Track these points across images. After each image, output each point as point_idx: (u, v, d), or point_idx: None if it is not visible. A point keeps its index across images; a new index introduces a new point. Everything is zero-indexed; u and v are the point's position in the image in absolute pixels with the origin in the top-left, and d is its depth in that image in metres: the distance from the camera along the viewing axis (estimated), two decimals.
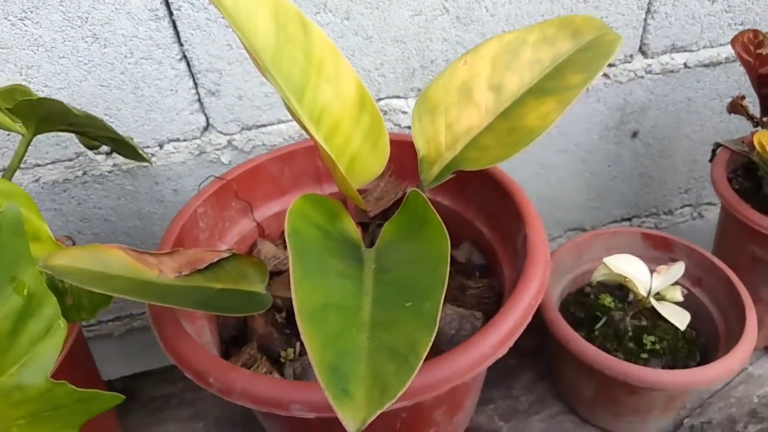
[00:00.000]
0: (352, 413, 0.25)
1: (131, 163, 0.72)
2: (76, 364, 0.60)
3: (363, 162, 0.46)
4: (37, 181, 0.71)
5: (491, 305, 0.57)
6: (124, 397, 0.34)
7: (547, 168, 0.87)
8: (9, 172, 0.54)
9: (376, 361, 0.28)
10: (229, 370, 0.42)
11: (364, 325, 0.31)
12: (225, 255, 0.46)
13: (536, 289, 0.47)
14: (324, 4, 0.65)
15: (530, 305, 0.46)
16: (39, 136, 0.68)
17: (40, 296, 0.31)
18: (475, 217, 0.62)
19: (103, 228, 0.77)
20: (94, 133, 0.58)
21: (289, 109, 0.41)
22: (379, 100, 0.74)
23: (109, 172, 0.72)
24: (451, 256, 0.57)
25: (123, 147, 0.62)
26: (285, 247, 0.62)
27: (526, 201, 0.53)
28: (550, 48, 0.46)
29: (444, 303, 0.54)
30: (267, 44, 0.40)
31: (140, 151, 0.61)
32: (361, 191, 0.62)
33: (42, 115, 0.51)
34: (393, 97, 0.74)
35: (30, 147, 0.68)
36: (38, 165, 0.71)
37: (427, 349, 0.28)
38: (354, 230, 0.44)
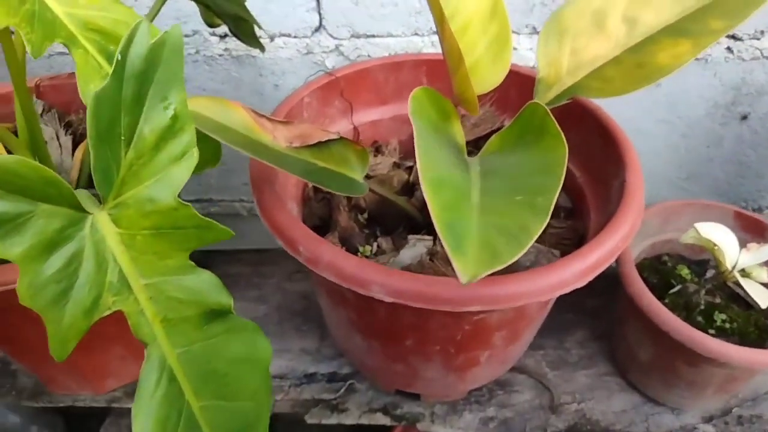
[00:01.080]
0: (464, 266, 0.26)
1: (242, 50, 0.74)
2: None
3: (484, 69, 0.46)
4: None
5: (571, 247, 0.57)
6: (233, 233, 0.37)
7: (645, 135, 0.85)
8: None
9: (487, 233, 0.29)
10: (319, 243, 0.44)
11: (474, 207, 0.32)
12: (333, 137, 0.47)
13: (626, 232, 0.47)
14: None
15: (617, 246, 0.46)
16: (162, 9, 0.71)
17: (183, 121, 0.33)
18: (570, 158, 0.61)
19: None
20: (221, 7, 0.60)
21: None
22: None
23: (220, 55, 0.75)
24: None
25: (243, 28, 0.64)
26: (375, 155, 0.64)
27: (629, 145, 0.53)
28: None
29: None
30: None
31: (258, 37, 0.63)
32: (462, 115, 0.63)
33: None
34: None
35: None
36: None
37: (538, 233, 0.29)
38: (461, 135, 0.45)
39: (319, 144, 0.46)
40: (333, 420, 0.64)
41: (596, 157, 0.57)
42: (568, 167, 0.61)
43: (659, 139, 0.85)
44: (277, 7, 0.71)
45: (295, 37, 0.74)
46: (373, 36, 0.73)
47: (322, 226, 0.59)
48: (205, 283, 0.36)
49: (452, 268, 0.27)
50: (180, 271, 0.35)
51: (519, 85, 0.59)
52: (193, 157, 0.34)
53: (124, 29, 0.40)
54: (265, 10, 0.71)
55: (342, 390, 0.66)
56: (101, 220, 0.33)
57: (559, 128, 0.37)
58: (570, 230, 0.58)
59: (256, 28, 0.72)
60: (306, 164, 0.45)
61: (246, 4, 0.69)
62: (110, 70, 0.39)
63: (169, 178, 0.33)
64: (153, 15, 0.51)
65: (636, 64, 0.44)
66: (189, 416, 0.38)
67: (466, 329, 0.50)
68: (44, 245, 0.31)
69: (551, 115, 0.38)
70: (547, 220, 0.29)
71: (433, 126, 0.41)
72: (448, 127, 0.44)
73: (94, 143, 0.30)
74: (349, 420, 0.64)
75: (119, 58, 0.30)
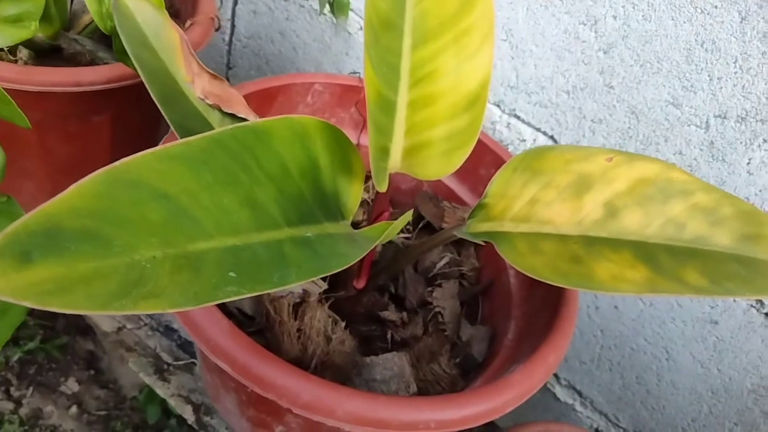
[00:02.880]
0: None
1: (342, 21, 0.72)
2: None
3: (426, 159, 0.39)
4: None
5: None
6: (30, 125, 0.34)
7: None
8: None
9: None
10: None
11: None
12: (253, 118, 0.43)
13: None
14: None
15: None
16: None
17: None
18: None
19: (286, 51, 0.79)
20: None
21: (383, 27, 0.34)
22: None
23: (324, 14, 0.73)
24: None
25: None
26: None
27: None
28: (704, 224, 0.32)
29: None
30: None
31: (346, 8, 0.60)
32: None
33: None
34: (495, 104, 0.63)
35: None
36: None
37: None
38: (352, 197, 0.38)
39: (234, 117, 0.42)
40: None
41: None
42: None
43: None
44: None
45: None
46: None
47: None
48: None
49: None
50: None
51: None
52: (28, 30, 0.31)
53: None
54: None
55: None
56: None
57: None
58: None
59: (355, 10, 0.69)
60: (200, 125, 0.40)
61: None
62: None
63: None
64: None
65: (575, 258, 0.34)
66: None
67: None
68: None
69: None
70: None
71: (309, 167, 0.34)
72: (336, 182, 0.37)
73: None
74: None
75: None
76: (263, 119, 0.32)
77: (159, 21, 0.40)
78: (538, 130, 0.63)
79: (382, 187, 0.38)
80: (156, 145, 0.63)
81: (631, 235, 0.34)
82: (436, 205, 0.55)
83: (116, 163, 0.24)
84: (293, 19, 0.76)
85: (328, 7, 0.71)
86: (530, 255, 0.34)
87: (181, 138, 0.38)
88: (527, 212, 0.37)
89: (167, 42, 0.40)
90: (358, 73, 0.58)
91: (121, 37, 0.39)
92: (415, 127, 0.38)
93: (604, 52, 0.56)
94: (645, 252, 0.33)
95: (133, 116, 0.57)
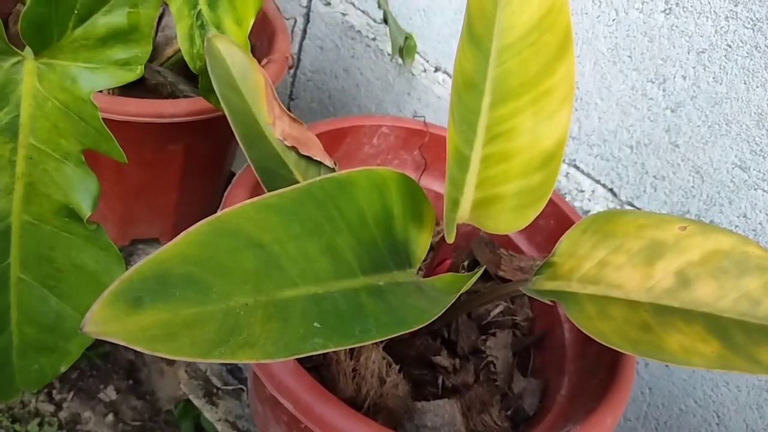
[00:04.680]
0: None
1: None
2: None
3: (496, 213, 0.39)
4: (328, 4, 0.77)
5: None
6: (126, 159, 0.36)
7: None
8: None
9: None
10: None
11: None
12: (329, 164, 0.44)
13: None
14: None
15: None
16: None
17: (140, 35, 0.33)
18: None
19: (349, 88, 0.81)
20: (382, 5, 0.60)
21: (465, 87, 0.36)
22: None
23: (388, 53, 0.74)
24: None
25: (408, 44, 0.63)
26: None
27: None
28: None
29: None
30: (518, 25, 0.35)
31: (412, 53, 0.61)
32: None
33: None
34: (576, 166, 0.62)
35: None
36: (351, 4, 0.76)
37: None
38: (421, 246, 0.38)
39: (309, 159, 0.43)
40: None
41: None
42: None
43: None
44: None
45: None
46: None
47: None
48: (80, 182, 0.36)
49: None
50: (67, 158, 0.36)
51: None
52: (134, 73, 0.34)
53: None
54: (447, 41, 0.69)
55: None
56: (28, 68, 0.34)
57: None
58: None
59: (421, 53, 0.71)
60: (277, 166, 0.42)
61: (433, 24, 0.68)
62: None
63: (100, 75, 0.34)
64: None
65: (645, 326, 0.33)
66: (2, 274, 0.38)
67: None
68: None
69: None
70: None
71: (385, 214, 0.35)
72: (403, 228, 0.38)
73: None
74: None
75: None
76: (347, 171, 0.33)
77: (246, 64, 0.42)
78: (598, 182, 0.63)
79: (450, 238, 0.39)
80: (221, 176, 0.65)
81: (703, 307, 0.34)
82: (492, 252, 0.55)
83: (219, 213, 0.25)
84: (359, 57, 0.78)
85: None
86: (599, 319, 0.34)
87: (260, 176, 0.40)
88: (596, 274, 0.37)
89: (253, 85, 0.42)
90: (423, 117, 0.59)
91: (212, 78, 0.41)
92: (486, 181, 0.39)
93: (672, 111, 0.56)
94: (717, 326, 0.32)
95: (203, 147, 0.59)
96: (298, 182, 0.43)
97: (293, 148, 0.43)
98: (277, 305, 0.26)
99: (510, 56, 0.36)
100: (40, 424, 1.24)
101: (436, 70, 0.72)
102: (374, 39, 0.75)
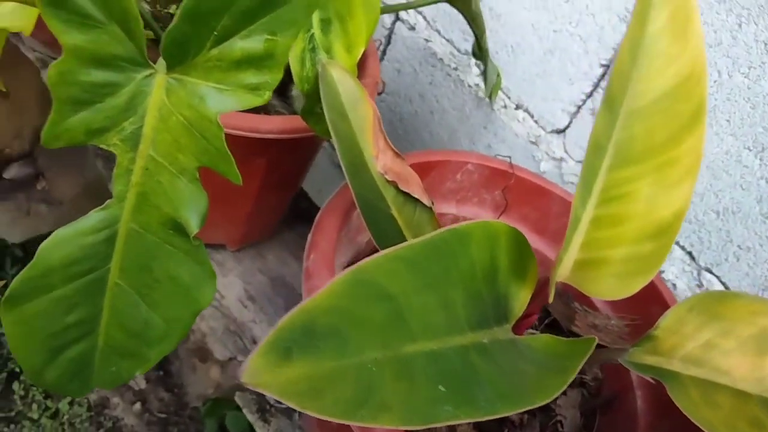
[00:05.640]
0: None
1: (481, 91, 0.73)
2: None
3: (599, 277, 0.38)
4: (413, 29, 0.77)
5: None
6: (241, 182, 0.36)
7: None
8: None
9: None
10: None
11: None
12: (426, 203, 0.43)
13: None
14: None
15: None
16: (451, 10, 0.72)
17: (274, 62, 0.33)
18: None
19: (422, 113, 0.81)
20: (483, 49, 0.59)
21: (591, 147, 0.35)
22: None
23: (469, 85, 0.74)
24: None
25: (489, 76, 0.62)
26: None
27: None
28: None
29: None
30: (651, 90, 0.34)
31: (496, 89, 0.61)
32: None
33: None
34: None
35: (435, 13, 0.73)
36: (437, 31, 0.76)
37: None
38: (522, 305, 0.38)
39: (407, 195, 0.43)
40: None
41: None
42: None
43: None
44: (543, 86, 0.67)
45: (535, 121, 0.70)
46: None
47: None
48: (191, 198, 0.36)
49: None
50: (182, 173, 0.36)
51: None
52: (261, 98, 0.33)
53: None
54: (532, 80, 0.68)
55: None
56: (158, 82, 0.34)
57: None
58: None
59: (504, 89, 0.70)
60: (376, 198, 0.42)
61: (515, 66, 0.67)
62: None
63: (228, 97, 0.34)
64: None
65: (755, 421, 0.32)
66: (100, 278, 0.38)
67: None
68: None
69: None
70: None
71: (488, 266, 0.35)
72: (504, 281, 0.37)
73: (186, 15, 0.31)
74: None
75: None
76: (467, 223, 0.32)
77: (357, 94, 0.42)
78: (677, 243, 0.61)
79: (550, 298, 0.38)
80: (293, 191, 0.64)
81: None
82: (566, 305, 0.54)
83: (360, 263, 0.25)
84: (437, 84, 0.78)
85: (481, 84, 0.72)
86: (704, 406, 0.33)
87: (359, 206, 0.40)
88: (701, 356, 0.36)
89: (361, 115, 0.42)
90: (509, 157, 0.58)
91: (324, 104, 0.40)
92: (593, 242, 0.38)
93: (767, 182, 0.55)
94: None
95: (285, 163, 0.59)
96: (394, 217, 0.43)
97: (393, 183, 0.42)
98: (401, 362, 0.25)
99: (638, 120, 0.35)
100: (71, 403, 1.25)
101: (517, 107, 0.71)
102: (455, 69, 0.75)
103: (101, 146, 0.34)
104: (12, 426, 1.19)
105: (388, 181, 0.42)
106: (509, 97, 0.71)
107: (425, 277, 0.29)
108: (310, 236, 0.44)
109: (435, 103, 0.79)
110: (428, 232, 0.44)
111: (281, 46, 0.32)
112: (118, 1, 0.30)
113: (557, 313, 0.54)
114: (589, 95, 0.65)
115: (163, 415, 1.31)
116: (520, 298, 0.37)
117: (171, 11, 0.60)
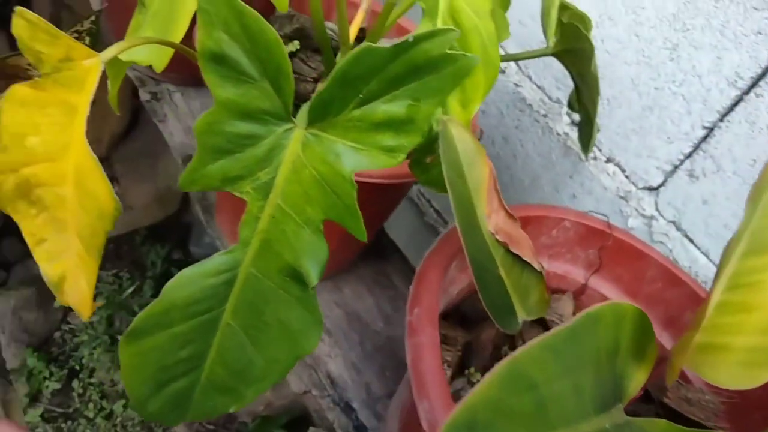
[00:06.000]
0: None
1: (576, 146, 0.72)
2: None
3: (720, 363, 0.37)
4: (503, 72, 0.77)
5: None
6: (366, 239, 0.36)
7: None
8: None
9: None
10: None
11: None
12: (535, 266, 0.43)
13: None
14: None
15: None
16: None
17: (414, 128, 0.34)
18: None
19: (504, 156, 0.81)
20: (585, 102, 0.58)
21: (737, 235, 0.34)
22: None
23: (558, 133, 0.73)
24: None
25: (585, 129, 0.62)
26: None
27: None
28: None
29: None
30: None
31: (591, 144, 0.60)
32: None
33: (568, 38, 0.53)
34: None
35: (544, 69, 0.72)
36: (528, 77, 0.75)
37: None
38: (637, 387, 0.36)
39: (516, 257, 0.42)
40: None
41: None
42: None
43: None
44: (638, 142, 0.66)
45: (626, 176, 0.68)
46: (697, 248, 0.63)
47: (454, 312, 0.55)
48: (313, 248, 0.36)
49: None
50: (307, 223, 0.36)
51: None
52: (395, 160, 0.34)
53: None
54: (626, 135, 0.67)
55: None
56: (296, 135, 0.35)
57: None
58: None
59: (597, 141, 0.69)
60: (486, 259, 0.41)
61: (610, 118, 0.66)
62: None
63: (363, 156, 0.34)
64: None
65: None
66: (215, 318, 0.39)
67: None
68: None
69: None
70: None
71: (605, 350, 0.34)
72: (621, 362, 0.36)
73: (337, 79, 0.31)
74: None
75: (411, 40, 0.31)
76: (600, 306, 0.32)
77: (475, 153, 0.42)
78: None
79: (669, 381, 0.36)
80: (377, 230, 0.64)
81: None
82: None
83: (516, 354, 0.24)
84: (523, 129, 0.77)
85: (571, 133, 0.71)
86: None
87: (471, 266, 0.39)
88: None
89: (478, 173, 0.42)
90: (606, 216, 0.57)
91: (443, 161, 0.40)
92: (716, 327, 0.36)
93: None
94: None
95: (377, 205, 0.60)
96: (502, 278, 0.43)
97: (504, 244, 0.42)
98: None
99: None
100: (125, 406, 1.27)
101: (608, 160, 0.70)
102: (545, 116, 0.74)
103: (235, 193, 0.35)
104: (69, 423, 1.22)
105: (498, 241, 0.42)
106: (600, 150, 0.70)
107: (564, 363, 0.28)
108: (412, 288, 0.44)
109: (519, 147, 0.79)
110: (535, 295, 0.43)
111: (423, 112, 0.32)
112: (274, 60, 0.30)
113: (649, 383, 0.52)
114: (688, 156, 0.63)
115: (211, 427, 1.32)
116: (637, 379, 0.36)
117: (290, 48, 0.61)
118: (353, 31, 0.54)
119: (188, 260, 1.35)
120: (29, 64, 0.56)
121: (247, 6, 0.30)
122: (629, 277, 0.57)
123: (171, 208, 1.31)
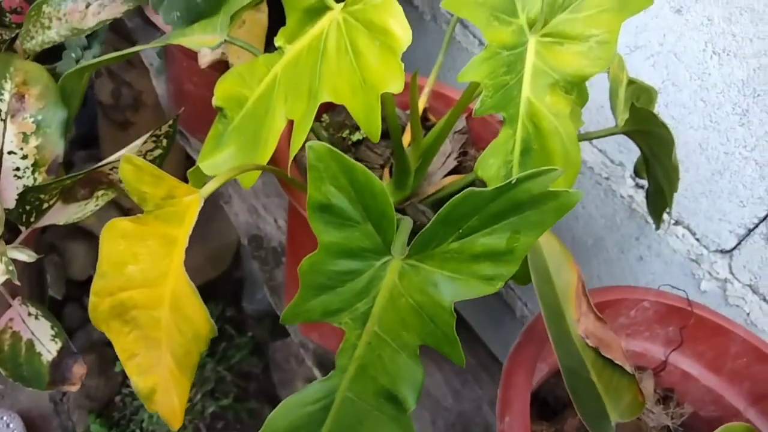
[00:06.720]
0: None
1: (641, 209, 0.71)
2: None
3: None
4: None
5: None
6: (464, 364, 0.36)
7: None
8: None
9: None
10: None
11: None
12: (628, 369, 0.42)
13: None
14: None
15: None
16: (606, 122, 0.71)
17: (512, 258, 0.33)
18: None
19: (565, 218, 0.80)
20: (655, 171, 0.58)
21: None
22: None
23: (621, 196, 0.72)
24: None
25: (655, 197, 0.61)
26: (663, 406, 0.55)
27: None
28: None
29: None
30: None
31: (662, 214, 0.59)
32: None
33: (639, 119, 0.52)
34: None
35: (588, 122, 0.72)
36: (588, 141, 0.75)
37: None
38: None
39: (607, 360, 0.42)
40: None
41: None
42: None
43: None
44: (708, 206, 0.65)
45: (697, 239, 0.67)
46: None
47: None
48: (409, 373, 0.36)
49: None
50: (404, 348, 0.36)
51: None
52: (494, 288, 0.34)
53: None
54: (696, 198, 0.66)
55: None
56: (394, 267, 0.35)
57: None
58: None
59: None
60: (577, 364, 0.41)
61: (690, 186, 0.65)
62: (517, 162, 0.41)
63: (461, 286, 0.34)
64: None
65: None
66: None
67: None
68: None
69: None
70: None
71: None
72: None
73: (440, 220, 0.32)
74: None
75: (513, 182, 0.31)
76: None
77: (562, 258, 0.41)
78: None
79: None
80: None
81: None
82: None
83: None
84: (584, 191, 0.77)
85: (635, 196, 0.70)
86: None
87: (564, 375, 0.39)
88: None
89: (565, 279, 0.41)
90: (685, 292, 0.56)
91: (531, 268, 0.40)
92: None
93: None
94: None
95: None
96: (593, 383, 0.42)
97: (594, 348, 0.41)
98: None
99: None
100: None
101: (677, 223, 0.68)
102: (607, 178, 0.73)
103: (333, 323, 0.35)
104: None
105: (588, 346, 0.41)
106: (668, 212, 0.69)
107: None
108: (500, 393, 0.44)
109: (581, 209, 0.78)
110: (627, 398, 0.42)
111: (523, 243, 0.32)
112: (379, 207, 0.31)
113: None
114: (763, 219, 0.61)
115: None
116: None
117: (343, 135, 0.62)
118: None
119: (242, 317, 1.36)
120: (111, 169, 0.58)
121: (354, 161, 0.30)
122: (712, 354, 0.56)
123: (222, 266, 1.33)
